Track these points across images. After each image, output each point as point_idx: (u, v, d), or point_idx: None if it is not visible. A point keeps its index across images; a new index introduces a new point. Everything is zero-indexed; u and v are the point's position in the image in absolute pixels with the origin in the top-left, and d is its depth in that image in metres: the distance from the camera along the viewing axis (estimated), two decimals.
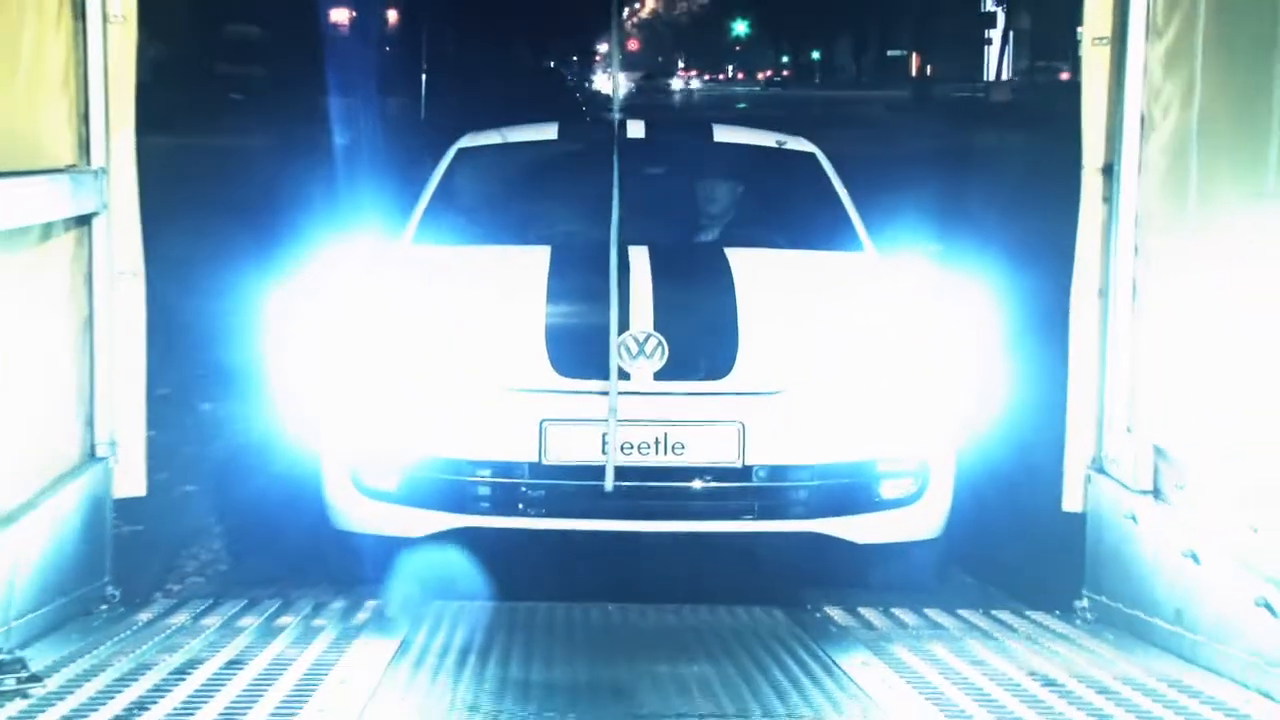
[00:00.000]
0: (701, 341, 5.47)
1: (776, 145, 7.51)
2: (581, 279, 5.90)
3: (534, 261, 6.01)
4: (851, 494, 5.36)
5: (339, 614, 5.04)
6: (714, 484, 5.25)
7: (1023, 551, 6.22)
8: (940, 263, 6.71)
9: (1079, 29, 5.99)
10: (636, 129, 7.64)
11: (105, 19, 5.24)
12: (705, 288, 5.89)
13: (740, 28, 76.22)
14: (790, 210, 7.18)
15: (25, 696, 3.69)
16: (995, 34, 67.95)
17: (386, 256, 6.45)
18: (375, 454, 5.38)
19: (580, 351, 5.35)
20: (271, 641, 4.56)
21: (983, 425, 5.80)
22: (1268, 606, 4.15)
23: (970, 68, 69.87)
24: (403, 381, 5.37)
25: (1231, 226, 4.76)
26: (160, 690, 3.93)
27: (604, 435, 5.12)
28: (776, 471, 5.27)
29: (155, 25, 7.22)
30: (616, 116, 7.06)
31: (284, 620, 4.89)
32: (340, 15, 41.69)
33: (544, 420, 5.16)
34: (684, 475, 5.23)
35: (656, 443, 5.14)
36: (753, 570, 6.02)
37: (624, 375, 5.27)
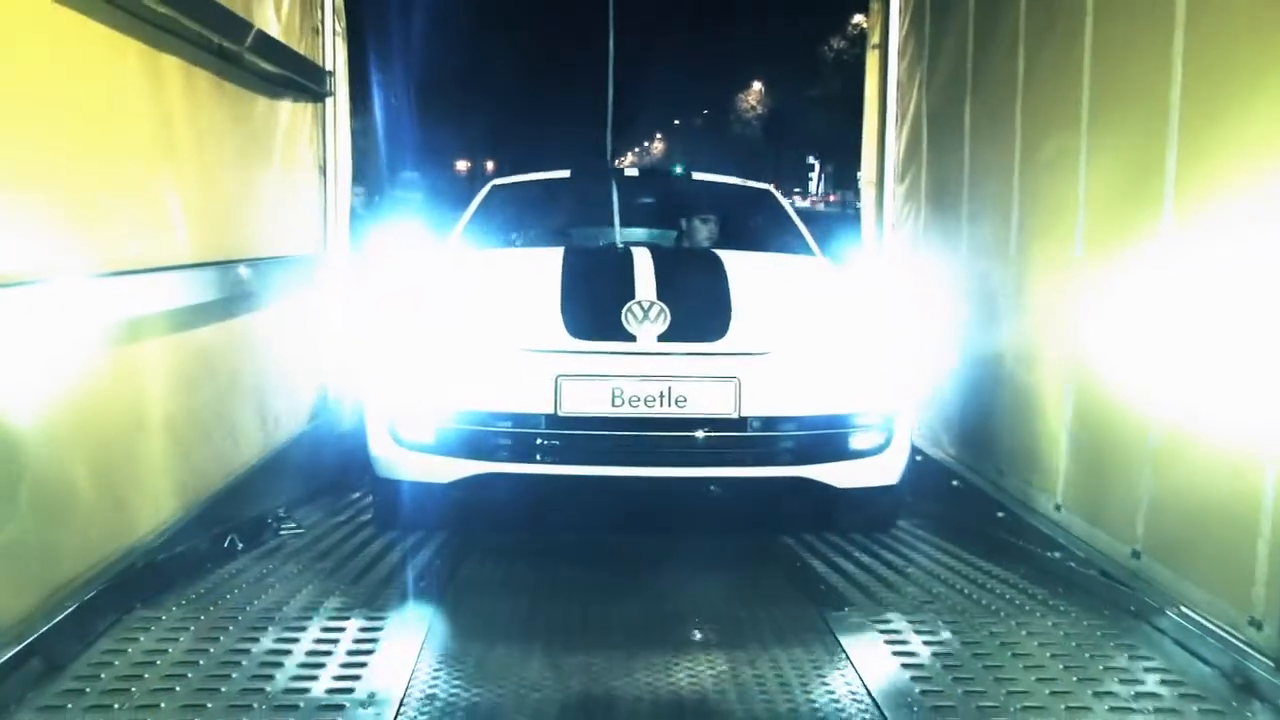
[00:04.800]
0: (699, 309, 3.81)
1: (741, 183, 5.66)
2: (590, 263, 4.28)
3: (550, 254, 4.26)
4: (832, 443, 3.75)
5: None
6: (713, 433, 3.63)
7: None
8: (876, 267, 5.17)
9: (859, 174, 6.11)
10: (632, 171, 5.89)
11: (337, 176, 5.30)
12: (700, 269, 4.24)
13: (679, 169, 75.98)
14: (758, 227, 5.32)
15: (297, 535, 3.78)
16: (814, 175, 68.37)
17: (432, 254, 4.79)
18: (411, 409, 3.71)
19: (589, 316, 3.73)
20: None
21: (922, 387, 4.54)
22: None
23: (802, 192, 70.14)
24: (435, 346, 3.74)
25: (939, 283, 4.89)
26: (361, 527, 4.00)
27: (612, 389, 3.55)
28: (768, 422, 3.66)
29: (361, 175, 7.21)
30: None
31: None
32: (461, 165, 43.25)
33: (559, 376, 3.55)
34: (686, 425, 3.62)
35: (661, 396, 3.58)
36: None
37: (630, 338, 3.66)
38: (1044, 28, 3.89)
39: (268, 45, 4.24)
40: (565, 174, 5.46)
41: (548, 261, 4.11)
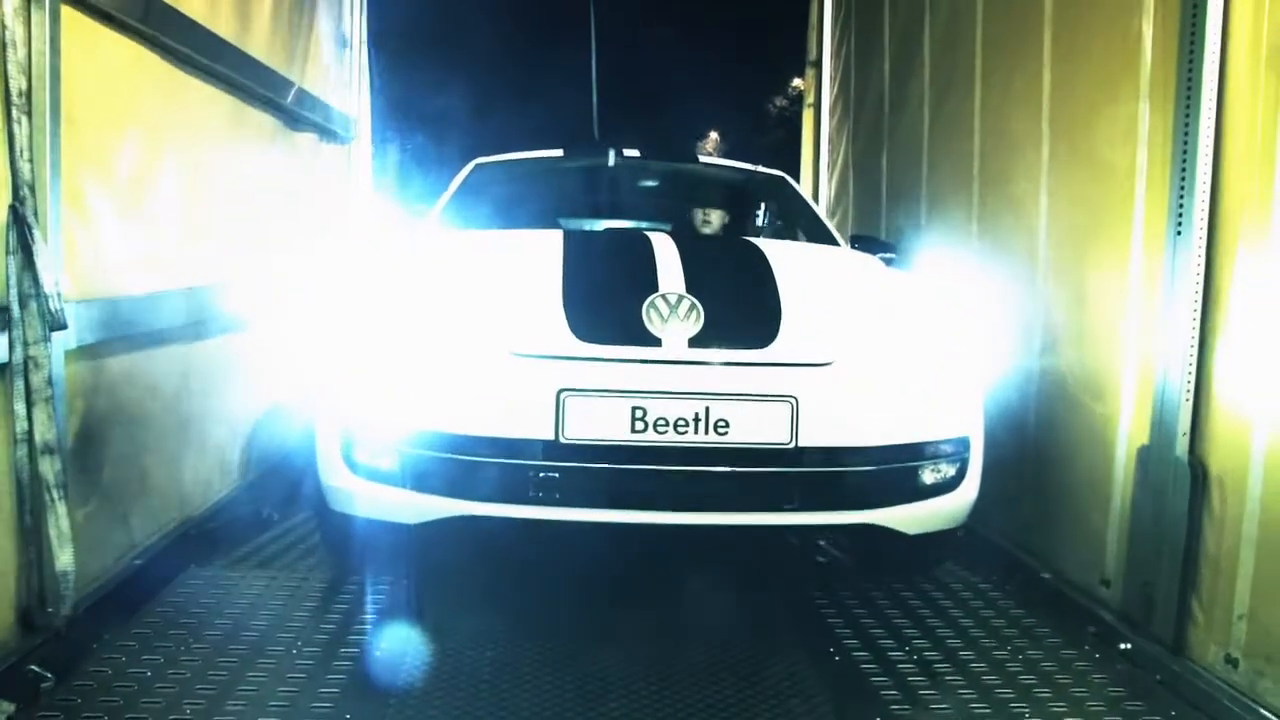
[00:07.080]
0: (739, 307, 2.51)
1: (752, 169, 4.18)
2: (599, 248, 2.94)
3: (548, 238, 2.86)
4: (907, 479, 2.45)
5: None
6: (763, 469, 2.31)
7: None
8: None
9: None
10: (632, 151, 3.99)
11: (358, 206, 5.32)
12: (735, 259, 2.84)
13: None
14: (779, 214, 3.98)
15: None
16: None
17: (405, 235, 3.44)
18: (369, 427, 2.39)
19: (601, 313, 2.42)
20: None
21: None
22: None
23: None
24: (400, 346, 2.42)
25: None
26: None
27: (633, 409, 2.26)
28: (832, 454, 2.35)
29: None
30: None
31: None
32: None
33: (561, 390, 2.27)
34: (728, 458, 2.29)
35: (696, 419, 2.27)
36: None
37: (654, 341, 2.36)
38: (943, 91, 4.03)
39: (308, 100, 4.34)
40: (558, 153, 4.03)
41: (545, 246, 2.79)
